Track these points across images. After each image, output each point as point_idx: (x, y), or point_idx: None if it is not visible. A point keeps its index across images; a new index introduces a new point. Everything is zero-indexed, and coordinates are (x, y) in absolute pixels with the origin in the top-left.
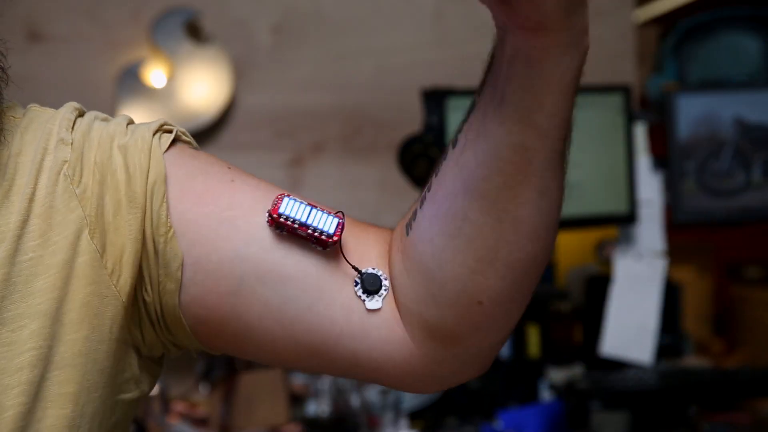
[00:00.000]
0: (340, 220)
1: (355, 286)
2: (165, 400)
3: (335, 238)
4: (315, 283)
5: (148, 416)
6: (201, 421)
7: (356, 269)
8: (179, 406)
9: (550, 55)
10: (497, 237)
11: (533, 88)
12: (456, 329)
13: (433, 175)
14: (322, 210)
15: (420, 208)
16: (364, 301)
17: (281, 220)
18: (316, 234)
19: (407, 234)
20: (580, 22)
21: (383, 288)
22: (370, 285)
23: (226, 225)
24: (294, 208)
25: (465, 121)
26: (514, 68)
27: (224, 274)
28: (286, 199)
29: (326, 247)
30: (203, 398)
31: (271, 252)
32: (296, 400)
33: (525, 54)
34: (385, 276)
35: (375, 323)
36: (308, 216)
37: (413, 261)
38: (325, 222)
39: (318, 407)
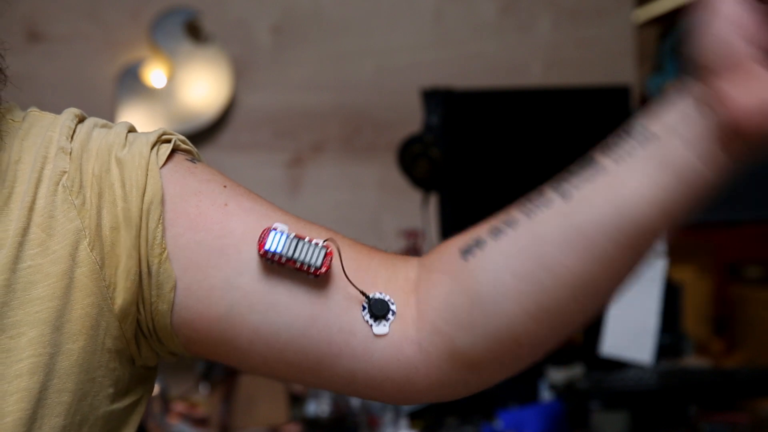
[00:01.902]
0: (329, 250)
1: (363, 310)
2: (165, 400)
3: (323, 270)
4: (307, 310)
5: (148, 416)
6: (201, 421)
7: (364, 294)
8: (179, 406)
9: (718, 162)
10: (570, 296)
11: (693, 183)
12: (481, 359)
13: (521, 214)
14: (310, 241)
15: (493, 239)
16: (371, 326)
17: (268, 256)
18: (303, 268)
19: (465, 259)
20: (736, 166)
21: (390, 313)
22: (377, 310)
23: (217, 254)
24: (281, 243)
25: (576, 173)
26: (683, 153)
27: (214, 301)
28: (272, 234)
29: (317, 277)
30: (203, 398)
31: (261, 282)
32: (296, 400)
33: (706, 147)
34: (392, 301)
35: (379, 345)
36: (294, 250)
37: (465, 286)
38: (312, 254)
39: (318, 407)
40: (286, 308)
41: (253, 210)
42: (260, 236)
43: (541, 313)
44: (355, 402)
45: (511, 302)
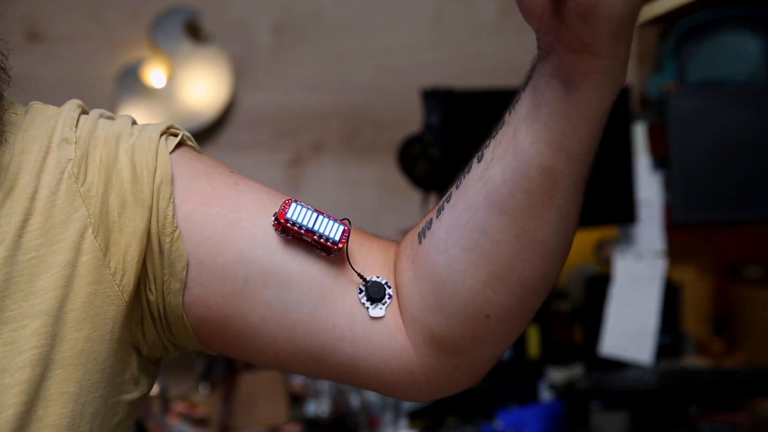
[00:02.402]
0: (346, 228)
1: (359, 293)
2: (165, 400)
3: (340, 245)
4: (318, 288)
5: (148, 416)
6: (201, 421)
7: (361, 277)
8: (179, 406)
9: (590, 80)
10: (513, 254)
11: (568, 111)
12: (460, 340)
13: (454, 187)
14: (329, 217)
15: (437, 217)
16: (367, 308)
17: (288, 225)
18: (321, 240)
19: (420, 242)
20: (624, 53)
21: (387, 296)
22: (374, 293)
23: (232, 227)
24: (301, 214)
25: (493, 136)
26: (551, 89)
27: (228, 276)
28: (293, 205)
29: (330, 253)
30: (203, 398)
31: (275, 255)
32: (296, 400)
33: (566, 76)
34: (389, 285)
35: (377, 330)
36: (315, 222)
37: (424, 269)
38: (331, 228)
39: (318, 407)
40: (298, 285)
41: (263, 189)
42: (281, 206)
43: (494, 279)
44: (355, 402)
45: (465, 275)
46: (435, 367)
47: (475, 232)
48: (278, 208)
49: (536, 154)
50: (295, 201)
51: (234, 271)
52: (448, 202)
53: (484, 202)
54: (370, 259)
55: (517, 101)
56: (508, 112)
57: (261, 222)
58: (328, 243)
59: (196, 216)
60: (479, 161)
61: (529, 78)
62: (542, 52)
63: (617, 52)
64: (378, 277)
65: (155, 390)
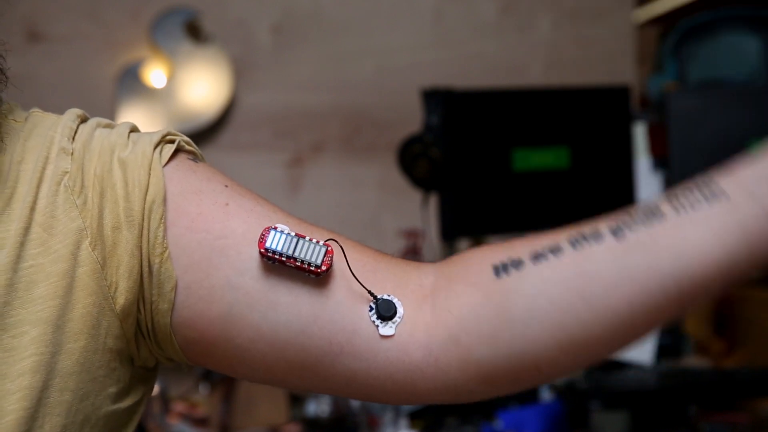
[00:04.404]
0: (329, 249)
1: (370, 311)
2: (165, 400)
3: (323, 268)
4: (308, 309)
5: (148, 416)
6: (201, 421)
7: (372, 294)
8: (179, 406)
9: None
10: (601, 334)
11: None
12: (497, 375)
13: (567, 242)
14: (310, 240)
15: (533, 263)
16: (377, 326)
17: (269, 254)
18: (304, 266)
19: (498, 276)
20: None
21: (398, 315)
22: (384, 311)
23: (218, 254)
24: (281, 242)
25: (639, 216)
26: (735, 231)
27: (215, 300)
28: (272, 233)
29: (318, 276)
30: (203, 398)
31: (261, 281)
32: (296, 400)
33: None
34: (399, 303)
35: (385, 347)
36: (295, 248)
37: (495, 304)
38: (312, 252)
39: (318, 407)
40: (286, 307)
41: (254, 211)
42: (261, 235)
43: (572, 345)
44: (355, 402)
45: (543, 329)
46: (449, 385)
47: (581, 302)
48: (259, 236)
49: (702, 273)
50: (275, 228)
51: (220, 296)
52: (554, 254)
53: (612, 282)
54: (380, 279)
55: (696, 200)
56: (671, 206)
57: (247, 249)
58: (312, 267)
59: (183, 240)
60: (615, 236)
61: (717, 184)
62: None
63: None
64: (389, 296)
65: (156, 390)
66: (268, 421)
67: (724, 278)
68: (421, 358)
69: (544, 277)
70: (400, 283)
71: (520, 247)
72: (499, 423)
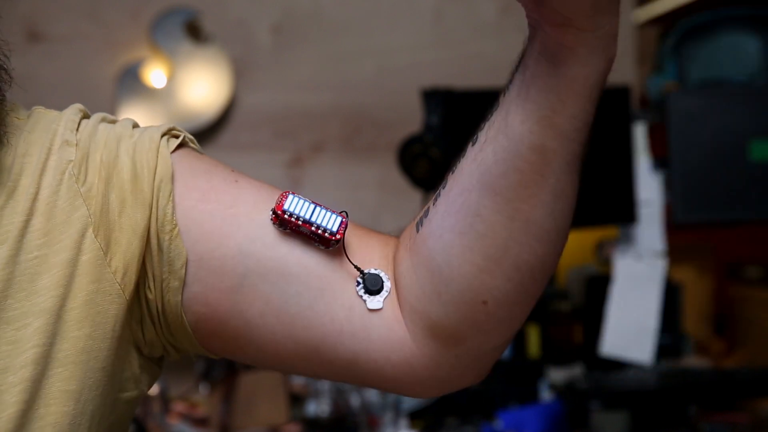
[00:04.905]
0: (344, 219)
1: (357, 285)
2: (165, 400)
3: (338, 236)
4: (317, 281)
5: (148, 416)
6: (201, 421)
7: (359, 269)
8: (179, 406)
9: (575, 55)
10: (507, 236)
11: (557, 87)
12: (459, 328)
13: (450, 173)
14: (326, 209)
15: (433, 204)
16: (365, 300)
17: (285, 216)
18: (319, 231)
19: (417, 230)
20: (608, 26)
21: (385, 289)
22: (371, 285)
23: (229, 222)
24: (298, 206)
25: (487, 119)
26: (540, 66)
27: (227, 271)
28: (290, 197)
29: (329, 245)
30: (203, 398)
31: (273, 249)
32: (296, 400)
33: (552, 52)
34: (387, 277)
35: (375, 323)
36: (312, 213)
37: (421, 257)
38: (329, 220)
39: (318, 407)
40: (296, 278)
41: (263, 186)
42: (279, 197)
43: (490, 262)
44: (355, 402)
45: (460, 259)
46: (435, 358)
47: (469, 216)
48: (277, 199)
49: (527, 133)
50: (293, 193)
51: (232, 265)
52: (443, 188)
53: (477, 184)
54: (368, 252)
55: (509, 83)
56: (502, 94)
57: (259, 216)
58: (326, 234)
59: (194, 213)
60: (473, 144)
61: (520, 58)
62: (531, 30)
63: (598, 24)
64: (376, 269)
65: (155, 390)
66: (268, 421)
67: (553, 128)
68: (405, 335)
69: (440, 211)
70: (386, 255)
71: (433, 196)
72: (499, 423)
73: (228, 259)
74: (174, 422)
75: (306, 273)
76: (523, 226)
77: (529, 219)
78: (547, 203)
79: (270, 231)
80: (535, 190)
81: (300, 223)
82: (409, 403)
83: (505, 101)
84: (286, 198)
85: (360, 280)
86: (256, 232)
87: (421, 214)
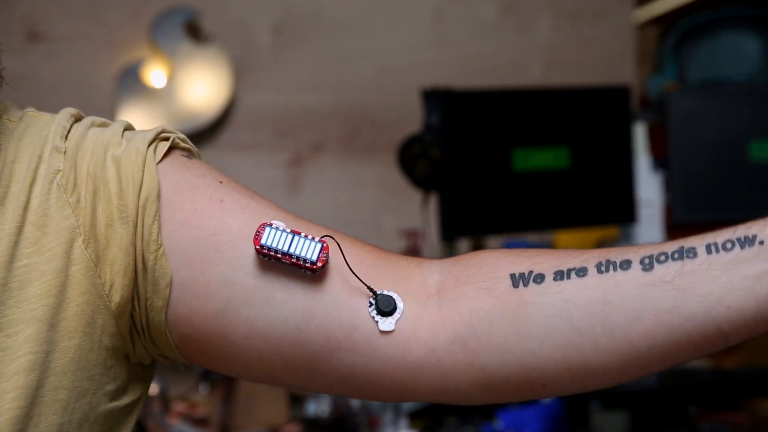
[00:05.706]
0: (324, 245)
1: (369, 306)
2: (165, 400)
3: (319, 264)
4: (303, 305)
5: (148, 416)
6: (201, 421)
7: (371, 290)
8: (179, 406)
9: None
10: (619, 369)
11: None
12: (500, 383)
13: (593, 265)
14: (305, 237)
15: (555, 280)
16: (377, 322)
17: (264, 251)
18: (299, 262)
19: (516, 286)
20: None
21: (398, 311)
22: (384, 306)
23: (213, 250)
24: (276, 238)
25: (674, 257)
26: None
27: (211, 296)
28: (267, 230)
29: (314, 272)
30: (203, 398)
31: (257, 278)
32: (296, 400)
33: None
34: (399, 299)
35: (385, 342)
36: (290, 245)
37: (510, 313)
38: (308, 249)
39: (318, 407)
40: (282, 303)
41: (250, 207)
42: (256, 232)
43: (583, 369)
44: (355, 402)
45: (558, 349)
46: (448, 387)
47: (601, 329)
48: (255, 232)
49: (728, 322)
50: (270, 225)
51: (216, 292)
52: (579, 276)
53: (636, 316)
54: (377, 275)
55: (729, 243)
56: (706, 247)
57: (242, 246)
58: (307, 264)
59: (178, 236)
60: (645, 269)
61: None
62: None
63: None
64: (388, 291)
65: (155, 390)
66: (268, 421)
67: (749, 328)
68: (423, 356)
69: (565, 297)
70: (400, 280)
71: (542, 260)
72: (499, 423)
73: (211, 285)
74: (174, 422)
75: (291, 298)
76: (639, 367)
77: (648, 367)
78: (673, 364)
79: (253, 260)
80: (679, 354)
81: (279, 256)
82: (409, 403)
83: (712, 262)
84: (263, 231)
85: (372, 302)
86: (240, 261)
87: (524, 270)
